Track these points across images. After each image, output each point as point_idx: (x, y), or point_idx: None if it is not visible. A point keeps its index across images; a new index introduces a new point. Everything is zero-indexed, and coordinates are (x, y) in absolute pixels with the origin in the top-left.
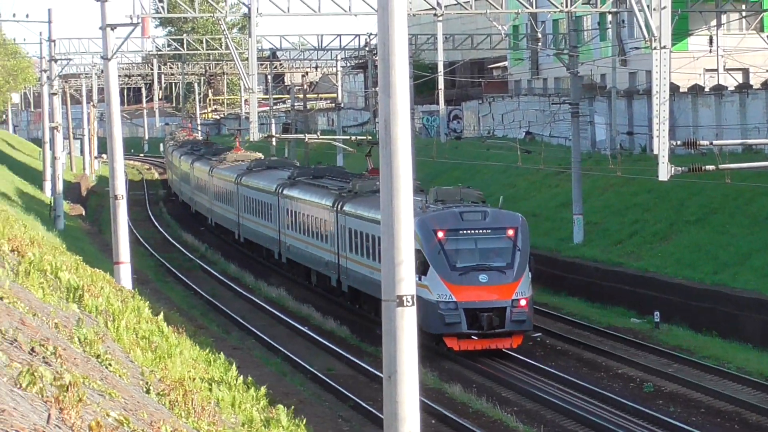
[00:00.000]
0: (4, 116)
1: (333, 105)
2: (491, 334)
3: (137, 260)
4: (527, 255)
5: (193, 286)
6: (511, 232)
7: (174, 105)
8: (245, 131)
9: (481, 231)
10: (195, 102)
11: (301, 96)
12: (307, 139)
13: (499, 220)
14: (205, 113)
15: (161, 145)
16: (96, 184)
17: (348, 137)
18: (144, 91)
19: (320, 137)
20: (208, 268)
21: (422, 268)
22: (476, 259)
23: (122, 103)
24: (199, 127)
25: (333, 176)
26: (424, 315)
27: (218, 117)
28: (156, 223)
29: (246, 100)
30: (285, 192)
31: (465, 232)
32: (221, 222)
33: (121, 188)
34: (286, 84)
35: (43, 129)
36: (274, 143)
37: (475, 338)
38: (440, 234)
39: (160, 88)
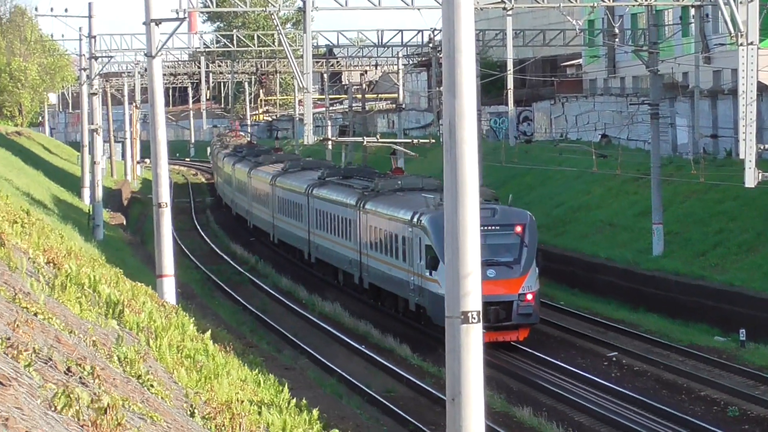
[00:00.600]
0: (40, 118)
1: (393, 106)
2: (498, 327)
3: (182, 273)
4: (534, 251)
5: (242, 302)
6: (519, 229)
7: (223, 106)
8: (295, 134)
9: (489, 228)
10: (245, 102)
11: (359, 96)
12: (365, 143)
13: (508, 217)
14: (255, 115)
15: (208, 148)
16: (138, 190)
17: (409, 140)
18: (190, 91)
19: (379, 140)
20: (259, 282)
21: (433, 264)
22: (485, 254)
23: (167, 103)
24: (249, 129)
25: (361, 176)
26: (434, 307)
27: (270, 119)
28: (202, 233)
29: (300, 101)
30: (314, 192)
31: None
32: (259, 224)
33: (165, 195)
34: (343, 83)
35: (82, 131)
36: (330, 147)
37: (483, 331)
38: None
39: (208, 88)
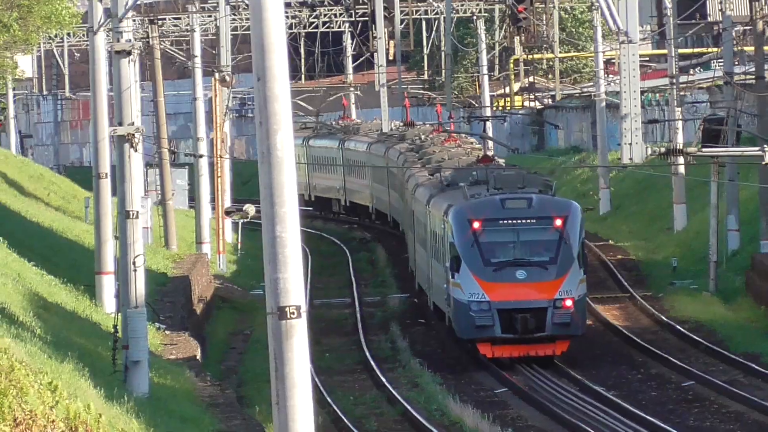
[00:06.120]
0: None
1: None
2: (529, 338)
3: None
4: (578, 249)
5: None
6: (558, 222)
7: (427, 76)
8: (601, 139)
9: (523, 220)
10: (477, 69)
11: None
12: None
13: (546, 207)
14: (501, 97)
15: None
16: (229, 276)
17: None
18: (348, 42)
19: None
20: None
21: (455, 264)
22: (515, 252)
23: (295, 71)
24: (486, 128)
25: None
26: (455, 318)
27: (537, 105)
28: (388, 385)
29: (610, 64)
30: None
31: (504, 222)
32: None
33: (294, 291)
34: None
35: (95, 141)
36: (678, 169)
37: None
38: (476, 224)
39: (390, 31)
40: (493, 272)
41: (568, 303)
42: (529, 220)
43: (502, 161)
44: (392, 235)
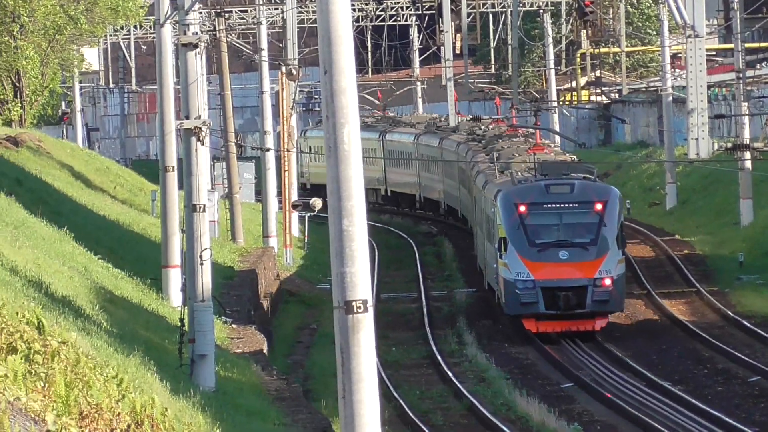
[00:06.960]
0: (63, 105)
1: None
2: (571, 314)
3: None
4: (616, 231)
5: None
6: (599, 207)
7: (494, 70)
8: (667, 134)
9: (565, 205)
10: (545, 63)
11: None
12: None
13: (587, 193)
14: (568, 91)
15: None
16: (296, 271)
17: None
18: (415, 37)
19: None
20: None
21: (503, 245)
22: (558, 234)
23: (361, 66)
24: (555, 120)
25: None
26: (503, 295)
27: (603, 99)
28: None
29: (676, 58)
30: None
31: (548, 206)
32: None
33: (362, 286)
34: None
35: (161, 134)
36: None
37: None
38: (522, 208)
39: (456, 23)
40: (538, 252)
41: (607, 282)
42: (571, 204)
43: (554, 150)
44: (457, 228)
